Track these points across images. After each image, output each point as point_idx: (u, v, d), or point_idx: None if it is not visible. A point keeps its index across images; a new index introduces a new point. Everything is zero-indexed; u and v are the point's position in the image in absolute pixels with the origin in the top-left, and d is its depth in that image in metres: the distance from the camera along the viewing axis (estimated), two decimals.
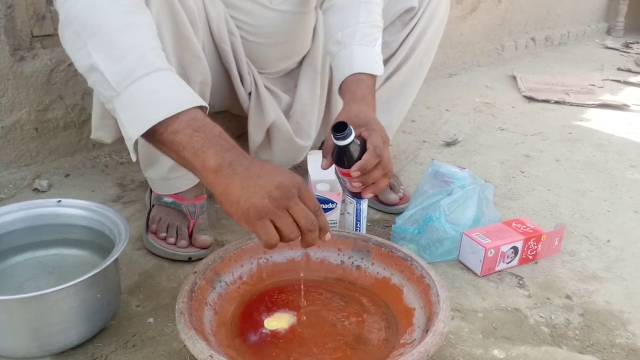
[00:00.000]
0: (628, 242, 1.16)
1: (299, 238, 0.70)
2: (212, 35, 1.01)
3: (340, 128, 0.80)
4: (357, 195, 0.88)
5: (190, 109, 0.70)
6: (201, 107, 0.72)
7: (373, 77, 0.96)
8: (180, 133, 0.69)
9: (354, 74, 0.94)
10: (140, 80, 0.70)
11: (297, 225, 0.69)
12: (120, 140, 1.14)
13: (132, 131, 0.71)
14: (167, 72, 0.73)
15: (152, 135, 0.71)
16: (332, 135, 0.81)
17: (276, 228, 0.68)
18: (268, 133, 1.17)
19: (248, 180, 0.68)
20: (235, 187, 0.68)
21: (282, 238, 0.69)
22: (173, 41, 0.88)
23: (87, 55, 0.72)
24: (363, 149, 0.82)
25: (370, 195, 0.87)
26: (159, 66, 0.72)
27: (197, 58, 0.93)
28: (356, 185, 0.85)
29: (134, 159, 0.77)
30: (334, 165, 0.90)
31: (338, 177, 1.03)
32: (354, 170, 0.82)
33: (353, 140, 0.81)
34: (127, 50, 0.71)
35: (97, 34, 0.71)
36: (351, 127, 0.81)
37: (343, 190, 1.02)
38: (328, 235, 0.73)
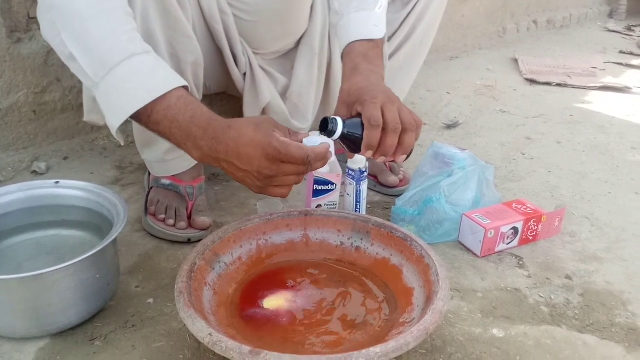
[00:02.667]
0: (629, 223, 1.15)
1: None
2: (204, 14, 0.99)
3: (324, 126, 0.79)
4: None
5: (164, 95, 0.72)
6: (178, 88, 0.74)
7: (371, 41, 0.93)
8: (161, 124, 0.73)
9: (350, 43, 0.93)
10: (115, 70, 0.71)
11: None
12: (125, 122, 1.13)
13: (112, 121, 0.75)
14: (142, 57, 0.74)
15: (140, 122, 0.74)
16: (320, 132, 0.80)
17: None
18: (264, 115, 1.15)
19: (233, 169, 0.73)
20: (229, 172, 0.75)
21: (290, 187, 0.76)
22: (161, 20, 0.87)
23: (62, 44, 0.73)
24: (362, 128, 0.80)
25: (402, 158, 0.82)
26: (132, 52, 0.73)
27: (187, 37, 0.92)
28: (380, 160, 0.81)
29: (122, 143, 0.82)
30: (332, 147, 0.89)
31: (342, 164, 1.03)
32: (364, 152, 0.80)
33: (343, 130, 0.79)
34: (99, 38, 0.72)
35: (70, 23, 0.72)
36: (336, 118, 0.79)
37: (346, 172, 1.02)
38: (324, 162, 0.75)
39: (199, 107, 0.74)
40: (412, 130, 0.80)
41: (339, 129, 0.79)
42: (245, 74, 1.09)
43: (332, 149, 0.98)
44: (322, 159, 0.74)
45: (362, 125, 0.79)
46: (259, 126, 0.72)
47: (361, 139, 0.79)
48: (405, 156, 0.82)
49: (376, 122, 0.78)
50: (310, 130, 1.21)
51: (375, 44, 0.94)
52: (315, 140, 0.88)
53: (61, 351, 0.76)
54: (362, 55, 0.91)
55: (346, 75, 0.90)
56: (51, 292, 0.74)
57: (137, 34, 0.75)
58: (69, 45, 0.72)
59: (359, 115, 0.81)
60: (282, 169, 0.72)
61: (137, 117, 0.73)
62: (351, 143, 0.81)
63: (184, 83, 0.75)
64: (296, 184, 0.76)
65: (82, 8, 0.72)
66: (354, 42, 0.93)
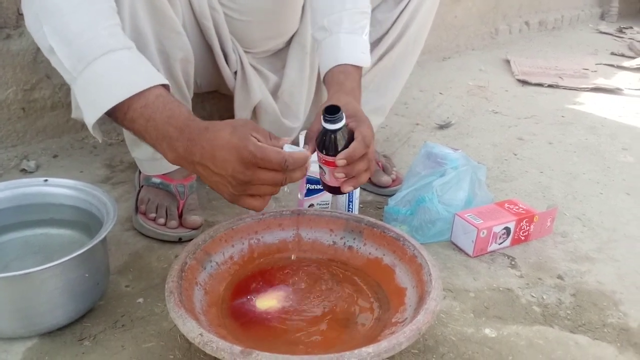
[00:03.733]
0: (620, 223, 1.16)
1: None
2: (193, 11, 0.98)
3: (332, 110, 0.75)
4: (334, 190, 0.82)
5: (142, 92, 0.70)
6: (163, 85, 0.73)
7: (359, 68, 0.91)
8: (136, 123, 0.71)
9: (340, 65, 0.90)
10: (93, 64, 0.70)
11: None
12: (104, 120, 1.12)
13: (88, 117, 0.73)
14: (122, 52, 0.72)
15: (116, 120, 0.72)
16: (322, 117, 0.75)
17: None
18: (255, 114, 1.15)
19: (207, 174, 0.71)
20: (202, 177, 0.72)
21: (265, 198, 0.72)
22: (149, 16, 0.86)
23: (43, 37, 0.71)
24: (350, 140, 0.77)
25: (349, 189, 0.79)
26: (112, 47, 0.71)
27: (176, 33, 0.90)
28: (339, 176, 0.78)
29: (100, 140, 0.80)
30: (316, 154, 0.86)
31: (320, 168, 1.00)
32: (340, 159, 0.76)
33: (343, 126, 0.76)
34: (79, 32, 0.70)
35: (51, 16, 0.71)
36: (343, 112, 0.76)
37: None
38: (302, 171, 0.72)
39: (177, 107, 0.71)
40: (371, 175, 0.83)
41: (343, 122, 0.76)
42: (236, 72, 1.08)
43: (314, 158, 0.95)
44: (301, 166, 0.70)
45: (352, 138, 0.77)
46: (236, 129, 0.69)
47: (344, 147, 0.76)
48: (352, 188, 0.80)
49: (368, 144, 0.76)
50: (301, 130, 1.21)
51: (361, 73, 0.92)
52: (296, 149, 0.83)
53: (49, 351, 0.75)
54: (356, 82, 0.89)
55: (343, 91, 0.86)
56: (39, 291, 0.73)
57: (119, 29, 0.74)
58: (49, 38, 0.70)
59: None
60: (257, 175, 0.68)
61: (113, 113, 0.71)
62: (334, 143, 0.77)
63: (164, 81, 0.73)
64: (272, 194, 0.72)
65: (65, 1, 0.70)
66: (346, 64, 0.90)
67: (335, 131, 0.76)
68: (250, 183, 0.69)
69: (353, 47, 0.92)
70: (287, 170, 0.69)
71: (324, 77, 0.93)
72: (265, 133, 0.71)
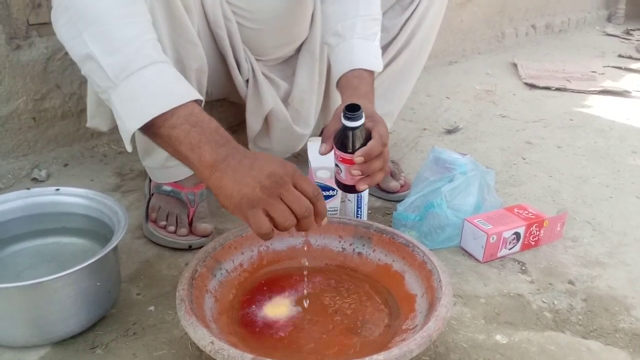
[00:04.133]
0: (630, 227, 1.15)
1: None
2: (208, 21, 1.00)
3: (353, 108, 0.78)
4: (350, 189, 0.84)
5: (187, 103, 0.71)
6: (197, 101, 0.73)
7: (372, 73, 0.94)
8: (178, 128, 0.70)
9: (354, 69, 0.92)
10: (138, 73, 0.70)
11: (292, 211, 0.68)
12: (117, 128, 1.13)
13: (130, 124, 0.72)
14: (165, 65, 0.73)
15: (150, 129, 0.71)
16: (343, 115, 0.78)
17: (271, 217, 0.68)
18: (266, 121, 1.15)
19: (240, 172, 0.68)
20: (228, 180, 0.68)
21: (277, 226, 0.68)
22: (167, 27, 0.87)
23: (82, 44, 0.71)
24: (367, 139, 0.80)
25: (365, 187, 0.82)
26: (156, 59, 0.72)
27: (192, 44, 0.92)
28: (355, 174, 0.80)
29: (129, 149, 0.77)
30: (333, 154, 0.88)
31: (336, 166, 1.01)
32: (359, 156, 0.78)
33: (362, 124, 0.78)
34: (125, 42, 0.71)
35: (93, 23, 0.71)
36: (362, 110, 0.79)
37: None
38: (325, 220, 0.72)
39: (220, 125, 0.73)
40: (386, 174, 0.85)
41: (362, 120, 0.78)
42: (247, 81, 1.09)
43: (332, 156, 0.97)
44: (323, 215, 0.71)
45: (369, 137, 0.80)
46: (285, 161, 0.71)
47: (362, 146, 0.79)
48: (367, 187, 0.83)
49: (384, 142, 0.79)
50: (311, 136, 1.22)
51: (374, 78, 0.95)
52: (318, 145, 0.86)
53: None
54: (370, 86, 0.91)
55: (358, 95, 0.89)
56: (52, 300, 0.73)
57: (159, 45, 0.75)
58: (90, 45, 0.70)
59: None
60: (289, 189, 0.68)
61: (151, 122, 0.70)
62: (352, 141, 0.80)
63: (201, 98, 0.75)
64: (287, 227, 0.68)
65: (108, 9, 0.71)
66: (360, 69, 0.92)
67: (354, 129, 0.79)
68: (280, 190, 0.67)
69: (366, 52, 0.94)
70: (316, 199, 0.70)
71: (337, 82, 0.95)
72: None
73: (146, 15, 0.75)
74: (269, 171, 0.67)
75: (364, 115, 0.78)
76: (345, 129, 0.79)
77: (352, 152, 0.79)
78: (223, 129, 0.72)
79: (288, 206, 0.68)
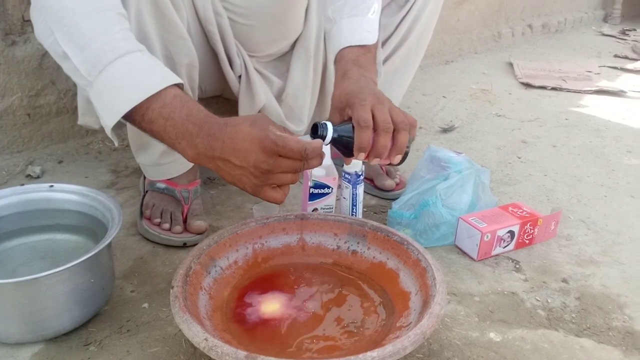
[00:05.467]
0: (624, 226, 1.15)
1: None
2: (198, 16, 0.99)
3: (314, 131, 0.79)
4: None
5: (159, 92, 0.71)
6: (173, 85, 0.73)
7: (363, 46, 0.93)
8: (155, 123, 0.72)
9: (340, 50, 0.92)
10: (109, 68, 0.71)
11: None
12: (114, 125, 1.13)
13: (107, 120, 0.73)
14: (135, 55, 0.73)
15: (133, 122, 0.73)
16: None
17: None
18: None
19: (228, 165, 0.71)
20: (223, 172, 0.73)
21: (284, 190, 0.75)
22: (155, 22, 0.86)
23: (56, 44, 0.72)
24: (354, 129, 0.79)
25: (398, 156, 0.81)
26: (126, 49, 0.72)
27: (181, 39, 0.91)
28: (375, 162, 0.81)
29: (116, 144, 0.81)
30: (329, 150, 0.89)
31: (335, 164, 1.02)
32: (357, 155, 0.79)
33: (334, 134, 0.79)
34: (92, 36, 0.71)
35: (62, 21, 0.71)
36: (326, 123, 0.79)
37: (342, 176, 1.01)
38: (319, 159, 0.74)
39: (195, 105, 0.73)
40: (405, 129, 0.79)
41: (329, 134, 0.79)
42: (240, 77, 1.09)
43: (328, 153, 0.98)
44: (318, 155, 0.73)
45: (353, 128, 0.79)
46: (256, 122, 0.71)
47: (353, 142, 0.79)
48: (400, 156, 0.81)
49: (365, 123, 0.77)
50: (304, 134, 1.21)
51: (367, 49, 0.93)
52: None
53: (55, 356, 0.75)
54: (352, 61, 0.90)
55: (337, 81, 0.89)
56: (45, 296, 0.73)
57: (131, 34, 0.75)
58: (62, 44, 0.71)
59: (351, 119, 0.81)
60: (279, 163, 0.71)
61: (131, 116, 0.72)
62: (344, 147, 0.81)
63: (179, 81, 0.75)
64: (292, 182, 0.74)
65: (74, 7, 0.71)
66: (344, 48, 0.92)
67: (333, 142, 0.80)
68: (272, 172, 0.71)
69: (354, 29, 0.93)
70: (306, 158, 0.71)
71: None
72: (280, 127, 0.73)
73: (115, 7, 0.75)
74: (253, 161, 0.70)
75: (328, 128, 0.79)
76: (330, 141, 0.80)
77: (352, 154, 0.80)
78: (195, 108, 0.73)
79: (286, 172, 0.72)
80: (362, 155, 0.79)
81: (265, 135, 0.70)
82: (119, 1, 0.76)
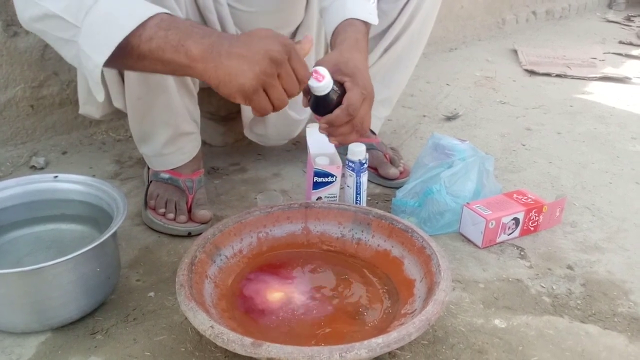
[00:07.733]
0: (629, 212, 1.15)
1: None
2: (197, 5, 0.98)
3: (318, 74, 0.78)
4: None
5: (153, 15, 0.69)
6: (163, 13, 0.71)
7: (366, 24, 0.92)
8: (155, 38, 0.68)
9: (346, 19, 0.90)
10: (95, 6, 0.68)
11: (285, 91, 0.71)
12: (116, 116, 1.13)
13: (98, 57, 0.69)
14: None
15: (131, 54, 0.69)
16: (309, 82, 0.77)
17: (269, 96, 0.70)
18: None
19: (236, 58, 0.68)
20: (225, 67, 0.68)
21: (273, 106, 0.71)
22: None
23: (34, 5, 0.69)
24: (340, 101, 0.79)
25: (335, 142, 0.84)
26: None
27: None
28: (323, 132, 0.83)
29: (100, 98, 0.75)
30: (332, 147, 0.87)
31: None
32: (322, 123, 0.81)
33: (329, 92, 0.78)
34: None
35: None
36: (330, 78, 0.77)
37: (346, 164, 1.01)
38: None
39: (196, 22, 0.71)
40: (362, 135, 0.83)
41: (328, 89, 0.78)
42: None
43: (332, 145, 0.97)
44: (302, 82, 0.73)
45: (339, 96, 0.79)
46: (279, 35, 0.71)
47: (334, 107, 0.79)
48: (336, 142, 0.85)
49: (352, 112, 0.79)
50: (309, 122, 1.21)
51: (369, 30, 0.93)
52: (317, 132, 0.86)
53: (62, 345, 0.76)
54: (362, 33, 0.89)
55: (348, 43, 0.86)
56: (52, 286, 0.73)
57: None
58: (40, 2, 0.68)
59: (340, 85, 0.80)
60: (286, 72, 0.69)
61: (129, 46, 0.68)
62: (321, 106, 0.80)
63: (166, 11, 0.72)
64: (283, 104, 0.72)
65: None
66: (352, 19, 0.90)
67: (321, 96, 0.79)
68: (278, 73, 0.69)
69: (359, 6, 0.92)
70: (303, 83, 0.72)
71: (331, 38, 0.93)
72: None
73: None
74: (265, 51, 0.67)
75: (330, 84, 0.77)
76: (313, 94, 0.79)
77: (322, 115, 0.80)
78: (201, 25, 0.71)
79: (283, 87, 0.70)
80: (324, 126, 0.81)
81: (282, 35, 0.70)
82: None
